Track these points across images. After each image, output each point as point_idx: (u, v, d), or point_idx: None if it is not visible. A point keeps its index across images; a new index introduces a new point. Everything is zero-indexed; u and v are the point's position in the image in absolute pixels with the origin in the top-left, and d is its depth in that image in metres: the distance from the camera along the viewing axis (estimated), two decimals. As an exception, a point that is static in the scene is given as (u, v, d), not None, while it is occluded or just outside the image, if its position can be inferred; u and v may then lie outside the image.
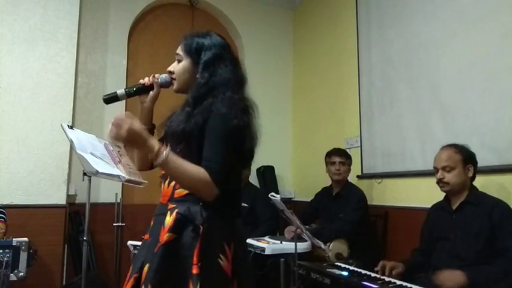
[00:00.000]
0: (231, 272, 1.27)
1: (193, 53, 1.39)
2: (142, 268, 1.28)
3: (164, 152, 1.17)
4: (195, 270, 1.19)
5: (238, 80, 1.38)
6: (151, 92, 1.42)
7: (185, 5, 4.06)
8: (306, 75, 4.26)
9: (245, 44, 4.25)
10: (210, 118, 1.26)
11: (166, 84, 1.42)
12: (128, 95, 1.38)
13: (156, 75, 1.42)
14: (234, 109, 1.27)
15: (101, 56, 3.59)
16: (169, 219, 1.26)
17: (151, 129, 1.46)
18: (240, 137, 1.29)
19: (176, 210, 1.27)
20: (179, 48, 1.42)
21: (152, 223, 1.36)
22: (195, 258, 1.20)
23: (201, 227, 1.23)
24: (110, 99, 1.37)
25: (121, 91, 1.37)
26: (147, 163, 1.50)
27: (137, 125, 1.16)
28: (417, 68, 2.82)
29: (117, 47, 3.66)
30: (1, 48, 2.98)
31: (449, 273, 1.82)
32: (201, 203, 1.27)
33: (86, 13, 3.51)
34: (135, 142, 1.17)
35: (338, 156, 3.00)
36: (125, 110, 3.59)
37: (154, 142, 1.18)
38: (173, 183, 1.32)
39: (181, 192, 1.30)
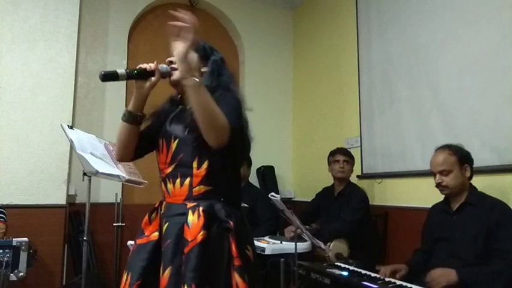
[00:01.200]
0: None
1: (200, 49, 1.46)
2: (144, 275, 1.27)
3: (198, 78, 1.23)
4: (237, 263, 1.24)
5: (236, 85, 1.51)
6: (152, 78, 1.37)
7: (185, 5, 4.05)
8: (306, 75, 4.26)
9: (245, 44, 4.25)
10: (223, 95, 1.34)
11: (166, 75, 1.39)
12: (129, 76, 1.32)
13: (159, 64, 1.40)
14: (242, 100, 1.39)
15: (101, 56, 3.59)
16: (194, 218, 1.26)
17: (141, 117, 1.42)
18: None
19: (200, 207, 1.28)
20: None
21: (166, 225, 1.33)
22: (234, 251, 1.25)
23: (231, 222, 1.28)
24: (109, 76, 1.28)
25: (121, 70, 1.30)
26: (129, 153, 1.46)
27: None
28: (417, 67, 2.82)
29: (117, 47, 3.66)
30: (1, 48, 2.98)
31: (442, 271, 1.84)
32: (222, 199, 1.32)
33: (86, 13, 3.51)
34: (187, 55, 1.25)
35: (342, 155, 3.03)
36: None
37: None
38: (187, 181, 1.32)
39: (200, 189, 1.31)
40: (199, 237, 1.23)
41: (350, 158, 3.04)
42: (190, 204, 1.29)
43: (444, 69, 2.61)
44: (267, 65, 4.34)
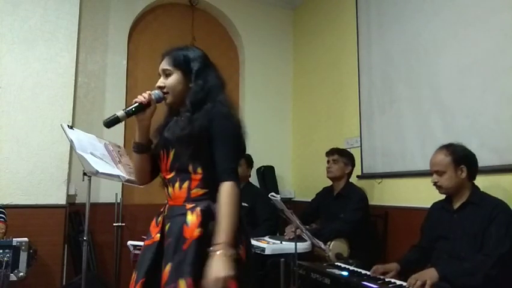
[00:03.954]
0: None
1: (183, 64, 1.46)
2: (148, 273, 1.35)
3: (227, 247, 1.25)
4: None
5: (223, 84, 1.52)
6: (149, 109, 1.45)
7: (185, 5, 4.05)
8: (306, 75, 4.26)
9: (245, 44, 4.25)
10: (215, 120, 1.38)
11: (160, 100, 1.47)
12: (128, 115, 1.41)
13: (151, 92, 1.46)
14: (233, 109, 1.45)
15: (101, 56, 3.59)
16: (192, 217, 1.35)
17: (149, 145, 1.51)
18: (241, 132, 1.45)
19: (198, 208, 1.36)
20: (165, 63, 1.48)
21: (168, 225, 1.41)
22: None
23: None
24: (112, 122, 1.38)
25: (121, 113, 1.39)
26: (146, 176, 1.56)
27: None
28: (417, 68, 2.82)
29: (117, 47, 3.65)
30: (1, 48, 2.98)
31: (422, 272, 1.88)
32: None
33: (86, 13, 3.51)
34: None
35: (331, 155, 3.04)
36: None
37: (227, 252, 1.24)
38: (185, 185, 1.41)
39: (197, 192, 1.40)
40: (195, 234, 1.32)
41: (339, 156, 3.01)
42: (189, 206, 1.38)
43: (445, 69, 2.61)
44: (267, 65, 4.33)
